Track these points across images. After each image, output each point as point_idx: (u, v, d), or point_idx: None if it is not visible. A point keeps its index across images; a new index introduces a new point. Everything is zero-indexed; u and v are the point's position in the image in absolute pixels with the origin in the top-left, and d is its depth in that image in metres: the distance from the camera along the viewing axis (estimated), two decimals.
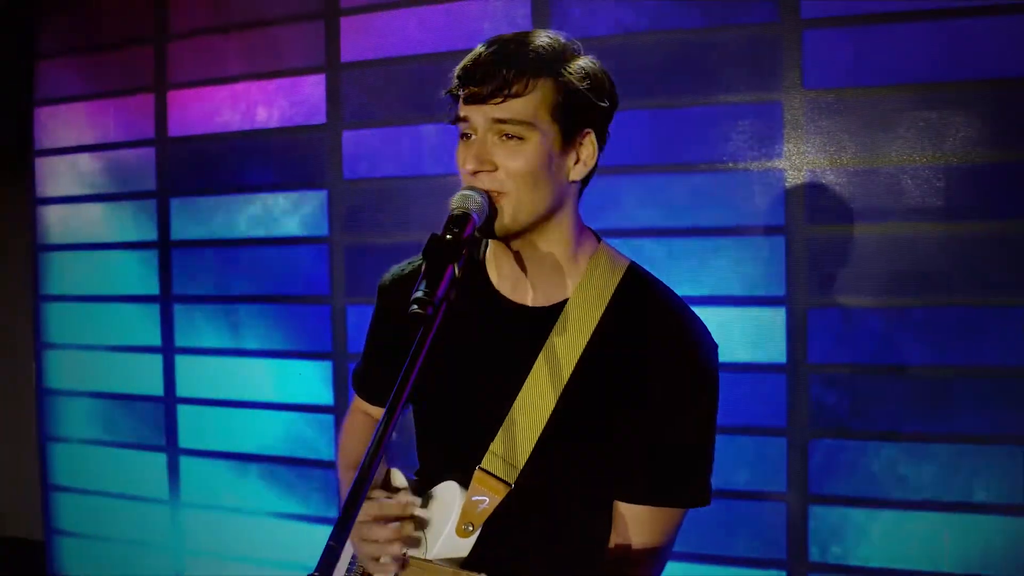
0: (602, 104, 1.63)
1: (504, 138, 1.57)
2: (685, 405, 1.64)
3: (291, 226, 3.78)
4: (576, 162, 1.63)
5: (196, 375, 4.03)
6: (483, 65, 1.57)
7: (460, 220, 1.49)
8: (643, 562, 1.64)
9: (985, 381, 2.86)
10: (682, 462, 1.66)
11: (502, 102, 1.55)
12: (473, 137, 1.60)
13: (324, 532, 3.89)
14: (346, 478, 1.92)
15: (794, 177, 3.00)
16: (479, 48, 1.61)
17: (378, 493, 1.67)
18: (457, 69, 1.61)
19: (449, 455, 1.74)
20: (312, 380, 3.77)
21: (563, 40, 1.62)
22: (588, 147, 1.64)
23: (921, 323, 2.92)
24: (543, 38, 1.61)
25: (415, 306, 1.35)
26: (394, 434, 2.01)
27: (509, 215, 1.59)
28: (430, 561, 1.64)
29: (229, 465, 3.96)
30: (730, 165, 3.07)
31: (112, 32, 4.09)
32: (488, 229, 1.59)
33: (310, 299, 3.76)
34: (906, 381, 2.94)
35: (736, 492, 3.10)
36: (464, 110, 1.60)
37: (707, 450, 1.68)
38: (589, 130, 1.63)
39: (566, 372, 1.63)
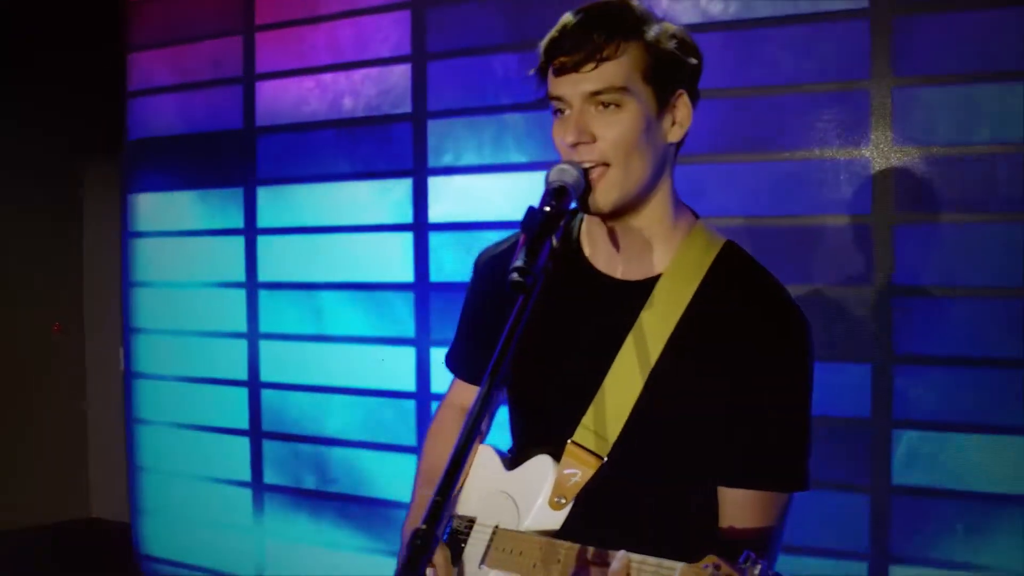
0: (691, 62, 1.63)
1: (601, 108, 1.56)
2: (781, 385, 1.63)
3: (376, 214, 3.83)
4: (672, 124, 1.62)
5: (280, 360, 4.11)
6: (571, 34, 1.55)
7: (557, 193, 1.48)
8: (749, 545, 1.63)
9: None
10: (778, 444, 1.64)
11: (595, 68, 1.53)
12: (568, 112, 1.58)
13: (403, 517, 3.93)
14: (418, 493, 1.91)
15: (881, 165, 2.97)
16: (563, 20, 1.59)
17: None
18: (544, 43, 1.60)
19: (542, 429, 1.75)
20: (394, 366, 3.83)
21: (643, 6, 1.62)
22: (683, 108, 1.63)
23: (1010, 314, 2.87)
24: (625, 3, 1.61)
25: (515, 275, 1.35)
26: (482, 424, 2.04)
27: (615, 190, 1.58)
28: (522, 532, 1.66)
29: (310, 449, 4.03)
30: (816, 153, 3.05)
31: (201, 24, 4.19)
32: (592, 207, 1.59)
33: (394, 286, 3.81)
34: (992, 373, 2.89)
35: (819, 482, 3.07)
36: (556, 86, 1.59)
37: (804, 432, 1.66)
38: (682, 90, 1.62)
39: (658, 346, 1.62)
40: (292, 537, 4.08)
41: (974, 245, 2.89)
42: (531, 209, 1.45)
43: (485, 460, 1.88)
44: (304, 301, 4.03)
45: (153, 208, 4.42)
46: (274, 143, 4.05)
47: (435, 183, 3.72)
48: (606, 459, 1.63)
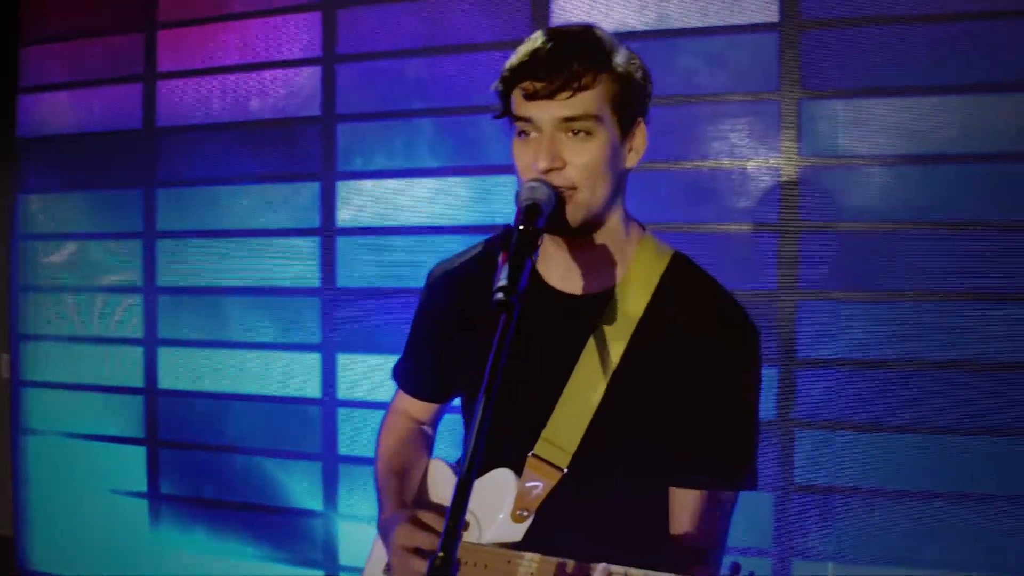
0: (649, 88, 1.68)
1: (571, 134, 1.58)
2: (732, 389, 1.68)
3: (282, 218, 3.77)
4: (630, 150, 1.67)
5: (179, 367, 3.99)
6: (547, 59, 1.56)
7: (531, 211, 1.50)
8: (700, 546, 1.67)
9: (968, 375, 2.95)
10: (729, 445, 1.69)
11: (571, 96, 1.55)
12: (535, 135, 1.59)
13: (308, 524, 3.85)
14: (387, 485, 1.91)
15: (789, 175, 3.08)
16: (534, 43, 1.60)
17: (427, 517, 1.68)
18: (512, 64, 1.60)
19: (500, 443, 1.73)
20: (299, 372, 3.77)
21: (607, 32, 1.65)
22: (640, 136, 1.68)
23: (908, 318, 3.01)
24: (595, 31, 1.63)
25: (500, 295, 1.36)
26: (429, 429, 2.05)
27: (581, 211, 1.61)
28: (483, 545, 1.66)
29: (210, 458, 3.93)
30: (726, 163, 3.15)
31: (100, 19, 4.05)
32: (558, 227, 1.60)
33: (300, 291, 3.75)
34: (890, 374, 3.03)
35: None
36: (526, 109, 1.59)
37: (753, 434, 1.73)
38: (641, 118, 1.67)
39: (615, 358, 1.66)
40: (192, 548, 3.96)
41: (875, 252, 3.02)
42: (507, 228, 1.47)
43: (438, 474, 1.91)
44: (205, 306, 3.93)
45: (44, 209, 4.24)
46: (176, 144, 3.93)
47: (344, 187, 3.68)
48: (567, 471, 1.66)
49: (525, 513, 1.67)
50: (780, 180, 3.09)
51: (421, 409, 2.03)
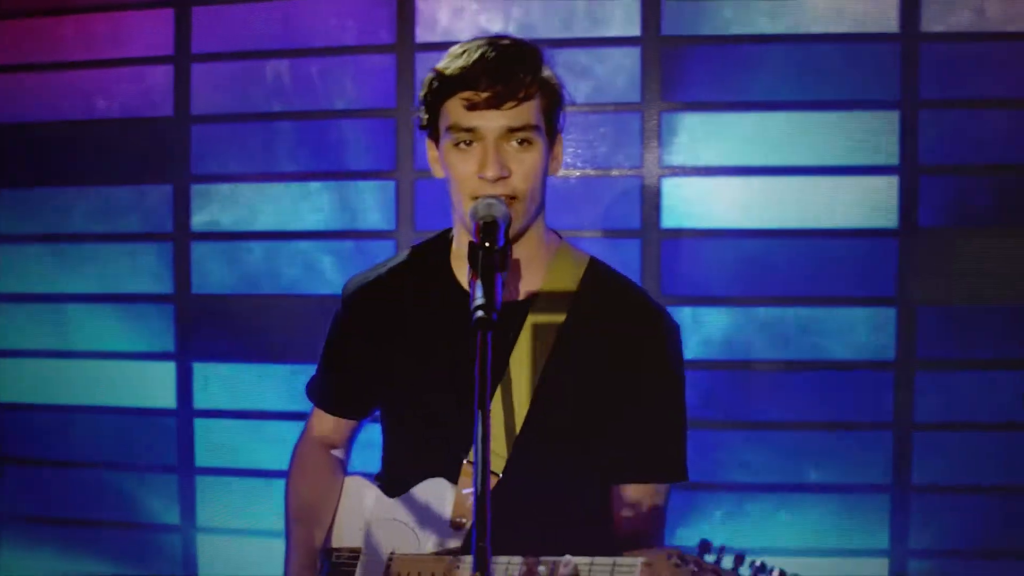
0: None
1: (515, 144, 1.61)
2: (660, 385, 1.75)
3: (132, 222, 3.61)
4: (553, 160, 1.71)
5: (20, 379, 3.77)
6: (493, 69, 1.58)
7: (492, 227, 1.51)
8: (642, 533, 1.72)
9: (820, 373, 3.13)
10: (664, 439, 1.76)
11: (516, 106, 1.58)
12: (476, 144, 1.62)
13: (165, 539, 3.68)
14: (296, 533, 1.88)
15: (650, 183, 3.16)
16: (472, 53, 1.61)
17: None
18: (452, 74, 1.61)
19: (433, 454, 1.76)
20: (153, 382, 3.62)
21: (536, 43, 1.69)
22: (560, 146, 1.73)
23: (764, 321, 3.16)
24: (527, 42, 1.67)
25: (480, 313, 1.37)
26: (341, 453, 2.01)
27: (519, 221, 1.65)
28: (424, 555, 1.67)
29: (57, 474, 3.74)
30: (590, 172, 3.22)
31: None
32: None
33: (151, 297, 3.61)
34: (750, 374, 3.17)
35: None
36: (469, 119, 1.61)
37: (681, 427, 1.79)
38: (560, 130, 1.71)
39: (541, 361, 1.70)
40: (38, 571, 3.76)
41: (733, 259, 3.15)
42: (473, 245, 1.47)
43: (359, 490, 1.88)
44: (48, 314, 3.72)
45: None
46: (13, 142, 3.68)
47: (198, 190, 3.55)
48: (502, 475, 1.69)
49: (463, 520, 1.68)
50: (642, 189, 3.16)
51: (338, 428, 2.00)
